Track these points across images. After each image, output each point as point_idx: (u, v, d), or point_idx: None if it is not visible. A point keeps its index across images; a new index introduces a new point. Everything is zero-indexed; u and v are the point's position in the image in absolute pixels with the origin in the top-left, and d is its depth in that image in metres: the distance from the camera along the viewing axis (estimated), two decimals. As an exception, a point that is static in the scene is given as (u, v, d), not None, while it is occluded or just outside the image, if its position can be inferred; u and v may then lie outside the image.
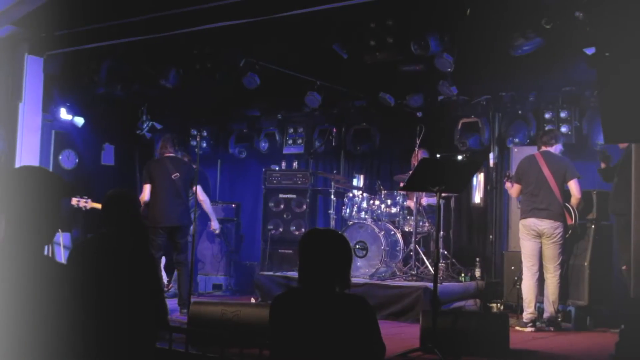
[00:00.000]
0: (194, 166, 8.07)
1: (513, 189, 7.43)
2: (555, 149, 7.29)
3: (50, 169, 9.09)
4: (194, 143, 10.74)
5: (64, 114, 9.49)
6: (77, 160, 10.02)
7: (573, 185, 7.12)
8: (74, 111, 9.60)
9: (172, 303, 8.27)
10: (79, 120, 9.63)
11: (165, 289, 9.12)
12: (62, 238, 8.77)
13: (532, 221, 7.11)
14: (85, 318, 2.57)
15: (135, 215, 3.56)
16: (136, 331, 3.19)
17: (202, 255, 9.90)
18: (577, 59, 6.63)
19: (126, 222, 3.44)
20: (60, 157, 9.81)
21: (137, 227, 3.51)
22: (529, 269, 7.14)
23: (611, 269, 7.45)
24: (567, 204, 7.14)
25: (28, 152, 8.11)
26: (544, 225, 7.05)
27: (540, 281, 7.13)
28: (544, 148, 7.28)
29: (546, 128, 8.47)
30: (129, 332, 3.14)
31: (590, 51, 5.99)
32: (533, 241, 7.13)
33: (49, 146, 9.58)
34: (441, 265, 8.38)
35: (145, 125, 10.13)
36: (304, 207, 9.93)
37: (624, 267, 6.64)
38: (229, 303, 6.32)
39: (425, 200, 8.93)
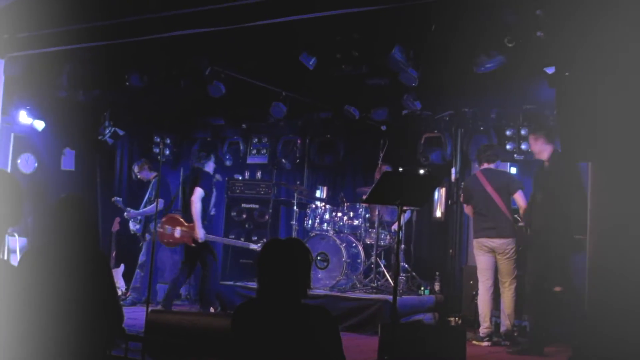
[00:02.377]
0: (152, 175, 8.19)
1: (467, 209, 7.55)
2: (496, 165, 7.41)
3: (8, 173, 8.93)
4: (156, 150, 10.65)
5: (23, 117, 9.35)
6: (36, 165, 9.86)
7: (518, 197, 7.20)
8: (35, 114, 9.46)
9: (129, 311, 8.19)
10: (39, 124, 9.50)
11: (123, 297, 9.02)
12: (17, 243, 8.61)
13: (484, 240, 7.21)
14: (36, 324, 2.53)
15: (89, 220, 3.51)
16: (89, 338, 3.15)
17: (162, 263, 9.79)
18: (538, 77, 6.74)
19: (79, 227, 3.39)
20: (18, 161, 9.65)
21: (90, 232, 3.46)
22: (484, 283, 7.23)
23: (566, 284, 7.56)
24: (516, 216, 7.25)
25: (-14, 155, 7.98)
26: (496, 243, 7.15)
27: (496, 295, 7.22)
28: (485, 165, 7.36)
29: (507, 147, 8.60)
30: (81, 339, 3.09)
31: (550, 70, 6.10)
32: (487, 256, 7.21)
33: (7, 149, 9.42)
34: (401, 278, 8.43)
35: (108, 130, 10.02)
36: (266, 217, 9.90)
37: (556, 289, 6.68)
38: (187, 312, 6.28)
39: (395, 227, 8.90)
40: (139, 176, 9.59)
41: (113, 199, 9.36)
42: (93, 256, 3.36)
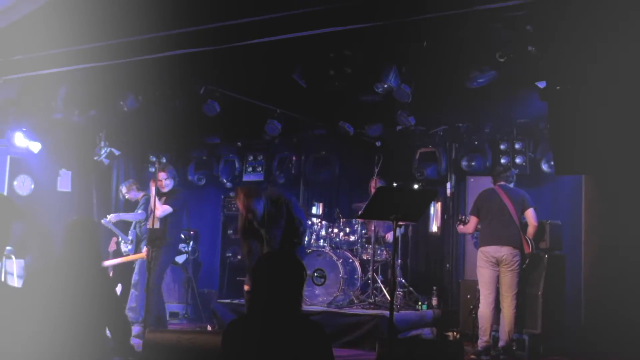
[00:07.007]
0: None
1: (469, 224, 7.51)
2: (511, 186, 7.50)
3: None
4: (152, 169, 10.67)
5: (19, 139, 9.37)
6: (32, 186, 9.86)
7: (530, 214, 7.27)
8: (30, 136, 9.48)
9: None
10: (35, 146, 9.51)
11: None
12: (15, 265, 8.59)
13: (492, 248, 7.19)
14: (43, 342, 2.54)
15: (97, 242, 3.55)
16: (91, 354, 3.16)
17: (159, 282, 9.76)
18: (530, 92, 6.79)
19: (89, 247, 3.43)
20: (15, 183, 9.66)
21: (97, 252, 3.50)
22: (486, 297, 7.22)
23: (563, 298, 7.58)
24: (524, 235, 7.30)
25: (-18, 177, 7.99)
26: (504, 251, 7.15)
27: (497, 310, 7.21)
28: (503, 183, 7.43)
29: (502, 161, 8.65)
30: (82, 355, 3.10)
31: (542, 85, 6.16)
32: (491, 269, 7.21)
33: (3, 171, 9.44)
34: (398, 293, 8.42)
35: (104, 151, 10.03)
36: (263, 234, 9.87)
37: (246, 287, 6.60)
38: (185, 331, 6.26)
39: (389, 237, 8.92)
40: (127, 196, 9.57)
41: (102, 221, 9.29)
42: (97, 275, 3.39)
